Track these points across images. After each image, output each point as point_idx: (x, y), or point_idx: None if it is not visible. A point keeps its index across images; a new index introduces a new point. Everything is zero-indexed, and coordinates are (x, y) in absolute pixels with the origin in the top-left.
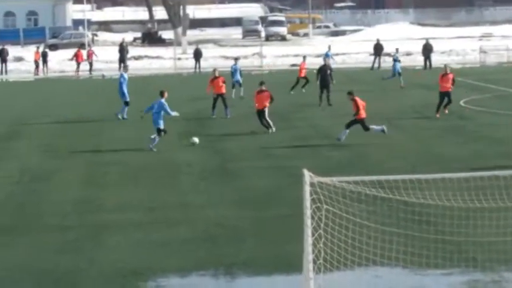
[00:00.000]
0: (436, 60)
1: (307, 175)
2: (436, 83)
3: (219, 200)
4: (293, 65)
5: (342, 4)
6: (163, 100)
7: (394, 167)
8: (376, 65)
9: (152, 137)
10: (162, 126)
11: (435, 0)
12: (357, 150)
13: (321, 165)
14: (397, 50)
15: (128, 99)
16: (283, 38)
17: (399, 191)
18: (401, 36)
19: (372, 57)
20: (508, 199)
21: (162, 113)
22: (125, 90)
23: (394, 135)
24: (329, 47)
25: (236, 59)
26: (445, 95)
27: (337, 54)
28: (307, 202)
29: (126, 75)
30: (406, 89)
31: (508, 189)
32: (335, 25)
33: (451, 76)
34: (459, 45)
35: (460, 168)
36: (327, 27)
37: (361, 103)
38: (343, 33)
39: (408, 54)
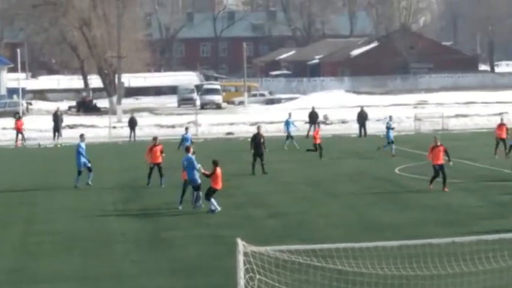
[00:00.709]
0: (372, 128)
1: (241, 244)
2: (370, 150)
3: (152, 269)
4: (228, 134)
5: (278, 72)
6: (190, 155)
7: (329, 235)
8: (311, 132)
9: (199, 205)
10: (199, 181)
11: (370, 69)
12: (292, 218)
13: (255, 234)
14: (390, 117)
15: (81, 169)
16: (218, 106)
17: (333, 260)
18: (337, 104)
19: (307, 125)
20: (441, 267)
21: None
22: (83, 160)
23: (330, 204)
24: (289, 115)
25: (187, 128)
26: (439, 168)
27: (272, 123)
28: (241, 272)
29: (83, 145)
30: (342, 158)
31: (441, 256)
32: (270, 93)
33: (442, 148)
34: (394, 112)
35: (395, 236)
36: (263, 95)
37: (219, 174)
38: (278, 101)
39: (343, 122)
